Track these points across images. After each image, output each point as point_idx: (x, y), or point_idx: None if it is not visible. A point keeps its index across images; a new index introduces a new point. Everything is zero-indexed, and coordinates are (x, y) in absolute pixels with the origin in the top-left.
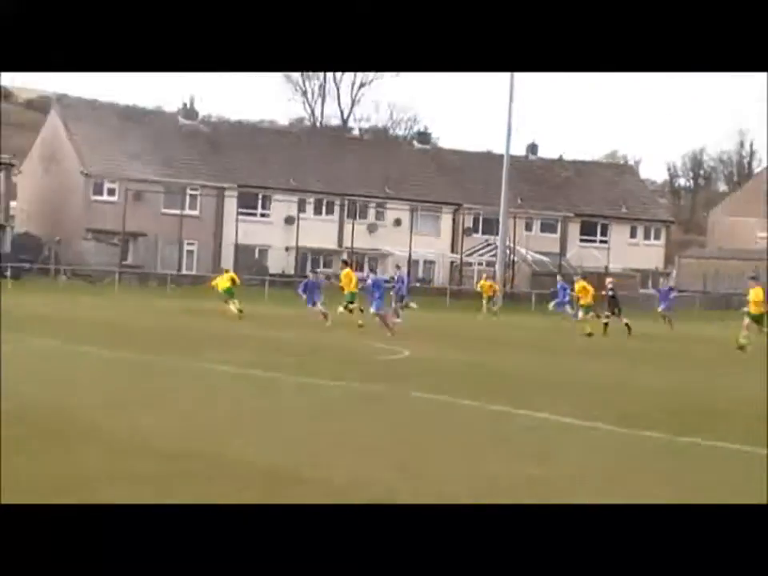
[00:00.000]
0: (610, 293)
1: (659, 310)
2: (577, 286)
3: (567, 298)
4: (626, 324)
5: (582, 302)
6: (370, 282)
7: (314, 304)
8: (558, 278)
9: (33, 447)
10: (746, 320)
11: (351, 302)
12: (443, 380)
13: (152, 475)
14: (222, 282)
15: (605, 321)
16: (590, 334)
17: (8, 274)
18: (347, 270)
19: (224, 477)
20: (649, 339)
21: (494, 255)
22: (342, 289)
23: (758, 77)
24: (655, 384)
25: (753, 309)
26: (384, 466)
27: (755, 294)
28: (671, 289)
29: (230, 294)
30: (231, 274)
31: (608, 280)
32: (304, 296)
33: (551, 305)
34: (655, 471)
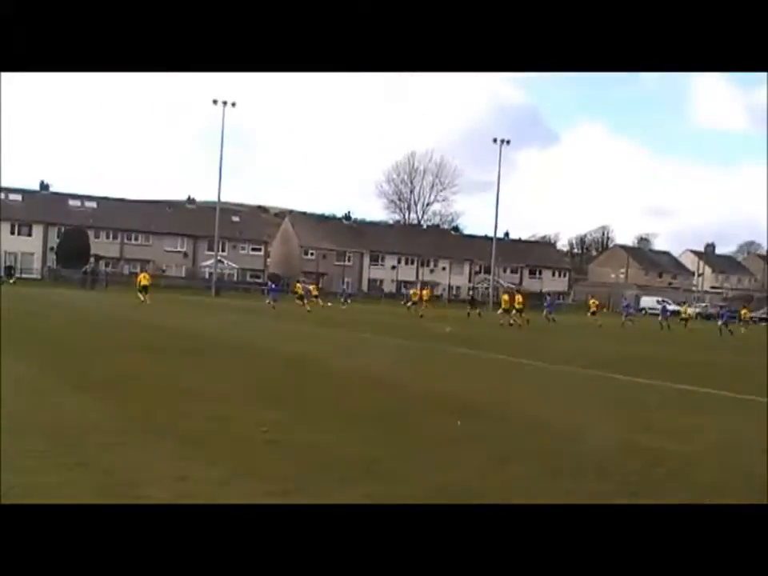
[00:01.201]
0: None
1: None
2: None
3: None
4: (479, 313)
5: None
6: (269, 287)
7: (274, 300)
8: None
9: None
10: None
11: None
12: (466, 342)
13: None
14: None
15: (469, 311)
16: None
17: (265, 292)
18: (298, 284)
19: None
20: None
21: (488, 284)
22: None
23: (622, 186)
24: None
25: (504, 305)
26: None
27: (505, 298)
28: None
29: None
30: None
31: (470, 292)
32: (269, 296)
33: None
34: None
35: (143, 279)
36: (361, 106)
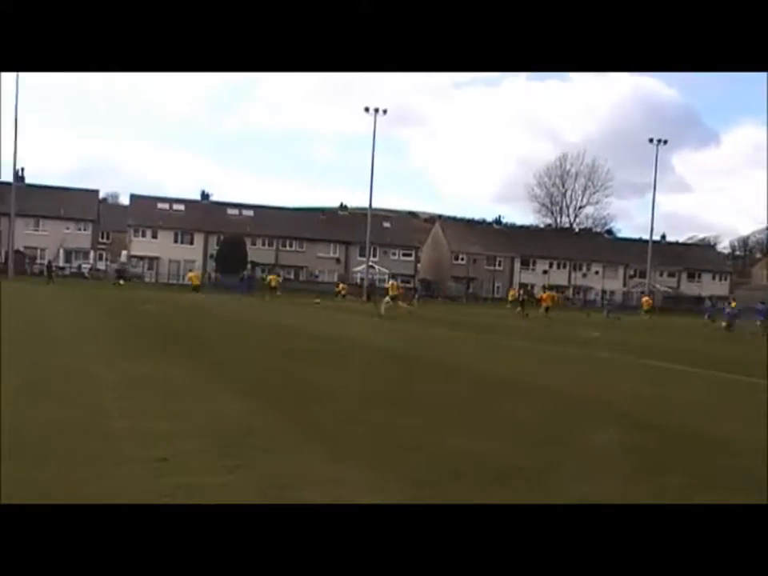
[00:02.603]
0: (522, 298)
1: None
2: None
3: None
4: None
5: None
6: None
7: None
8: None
9: None
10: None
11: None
12: (607, 346)
13: None
14: (511, 295)
15: (521, 311)
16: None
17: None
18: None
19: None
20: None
21: (643, 288)
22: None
23: None
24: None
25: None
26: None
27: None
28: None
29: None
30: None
31: (521, 291)
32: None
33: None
34: None
35: (194, 279)
36: (509, 109)
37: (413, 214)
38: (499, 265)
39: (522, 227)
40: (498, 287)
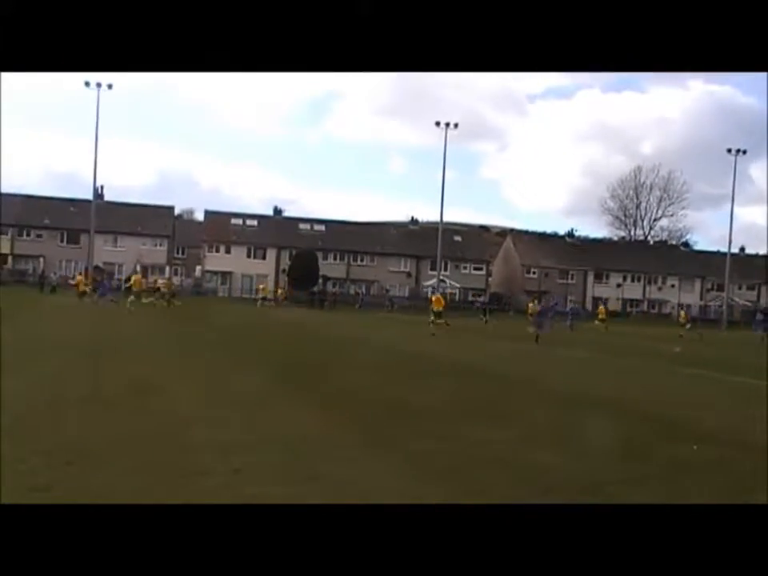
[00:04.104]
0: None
1: None
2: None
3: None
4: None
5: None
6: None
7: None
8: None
9: None
10: None
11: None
12: (687, 359)
13: None
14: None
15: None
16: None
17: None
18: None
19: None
20: None
21: (721, 302)
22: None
23: None
24: None
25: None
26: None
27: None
28: None
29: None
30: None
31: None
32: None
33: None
34: None
35: (80, 284)
36: (582, 121)
37: (484, 228)
38: (572, 278)
39: (595, 240)
40: (570, 301)
